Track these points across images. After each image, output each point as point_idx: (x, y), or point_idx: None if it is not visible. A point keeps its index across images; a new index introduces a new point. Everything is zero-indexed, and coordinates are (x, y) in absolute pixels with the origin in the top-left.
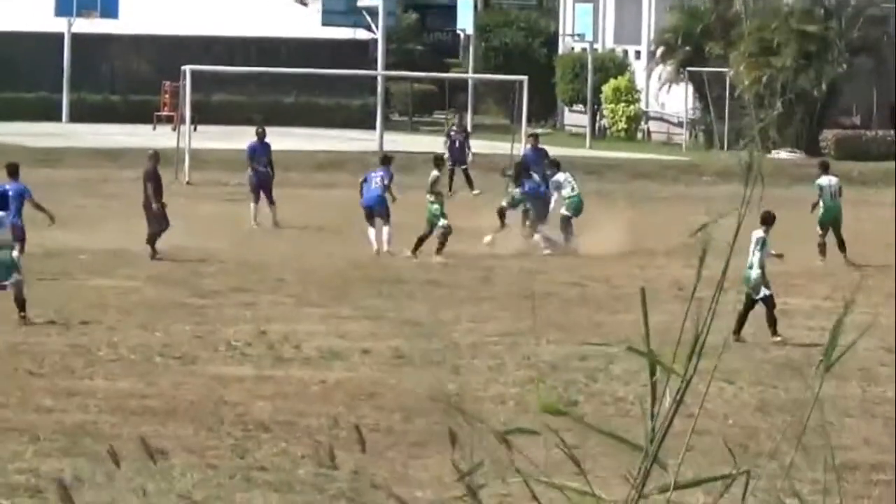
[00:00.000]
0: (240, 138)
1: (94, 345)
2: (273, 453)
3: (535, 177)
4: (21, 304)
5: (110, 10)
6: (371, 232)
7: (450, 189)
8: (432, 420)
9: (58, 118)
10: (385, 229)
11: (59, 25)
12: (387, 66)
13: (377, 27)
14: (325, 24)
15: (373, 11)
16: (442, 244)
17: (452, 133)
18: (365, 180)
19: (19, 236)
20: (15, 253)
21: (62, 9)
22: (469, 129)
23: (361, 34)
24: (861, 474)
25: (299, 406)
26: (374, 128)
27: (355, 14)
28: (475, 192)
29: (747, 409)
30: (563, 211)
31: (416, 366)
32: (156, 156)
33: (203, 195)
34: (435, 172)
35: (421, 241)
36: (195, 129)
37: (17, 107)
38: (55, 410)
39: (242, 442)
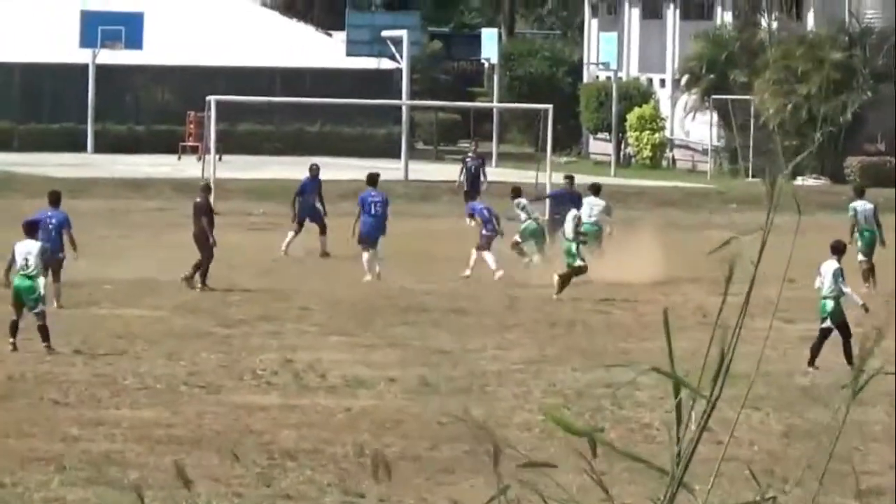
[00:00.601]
0: (265, 168)
1: (119, 374)
2: (299, 481)
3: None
4: (45, 334)
5: (135, 41)
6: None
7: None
8: (458, 447)
9: (83, 149)
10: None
11: (83, 56)
12: (411, 96)
13: (401, 57)
14: (349, 54)
15: (397, 41)
16: (565, 281)
17: (468, 160)
18: (363, 205)
19: (59, 263)
20: (41, 280)
21: (87, 40)
22: (494, 154)
23: (386, 63)
24: (887, 500)
25: (325, 434)
26: (399, 157)
27: (380, 44)
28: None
29: (773, 435)
30: (516, 237)
31: (441, 394)
32: (208, 187)
33: (228, 224)
34: (574, 211)
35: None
36: (220, 159)
37: (42, 137)
38: (81, 440)
39: (268, 470)
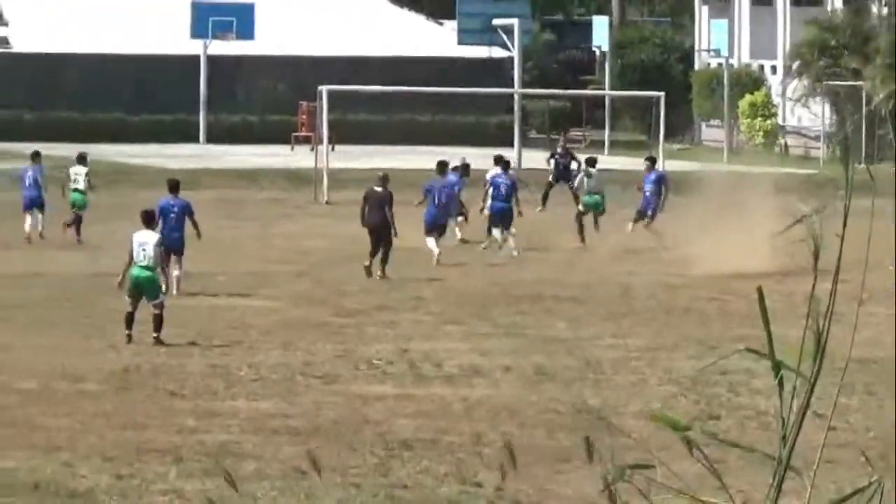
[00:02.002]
0: (377, 158)
1: (235, 365)
2: (416, 471)
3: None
4: (159, 324)
5: (246, 32)
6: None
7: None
8: (575, 436)
9: (195, 140)
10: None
11: (195, 48)
12: (523, 84)
13: (513, 45)
14: (461, 42)
15: (508, 29)
16: None
17: (557, 156)
18: (429, 191)
19: (180, 251)
20: (168, 271)
21: (198, 31)
22: (606, 142)
23: (497, 52)
24: None
25: (441, 424)
26: (511, 146)
27: (491, 32)
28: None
29: (890, 421)
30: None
31: (557, 382)
32: (386, 177)
33: (342, 215)
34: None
35: None
36: (332, 149)
37: (155, 129)
38: (198, 431)
39: (385, 460)
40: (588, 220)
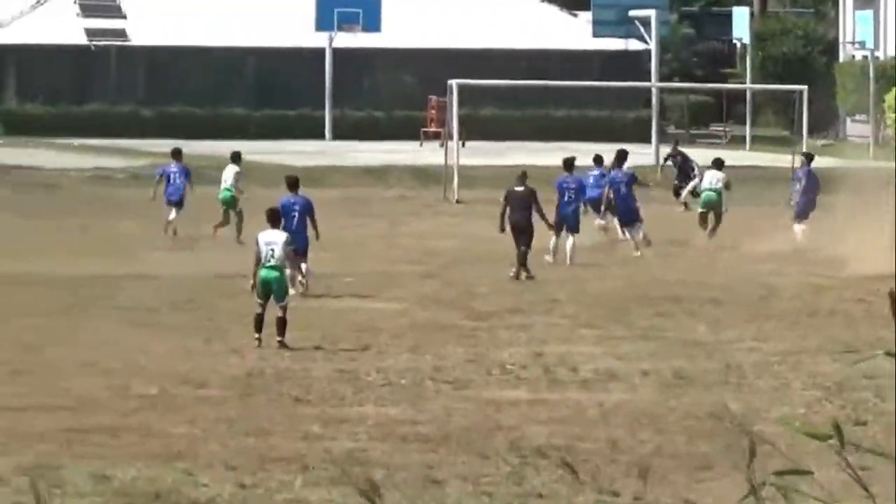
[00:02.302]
0: (509, 154)
1: (362, 370)
2: (551, 480)
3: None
4: (283, 327)
5: (373, 24)
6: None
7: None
8: (715, 442)
9: (320, 136)
10: (570, 241)
11: (320, 40)
12: (661, 77)
13: (650, 37)
14: (596, 35)
15: (645, 21)
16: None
17: (671, 159)
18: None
19: (305, 251)
20: (289, 272)
21: (323, 23)
22: (748, 137)
23: (634, 44)
24: None
25: (577, 430)
26: (649, 141)
27: (627, 24)
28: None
29: None
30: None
31: (697, 387)
32: (525, 174)
33: (472, 213)
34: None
35: None
36: (463, 146)
37: (279, 124)
38: (324, 438)
39: (519, 468)
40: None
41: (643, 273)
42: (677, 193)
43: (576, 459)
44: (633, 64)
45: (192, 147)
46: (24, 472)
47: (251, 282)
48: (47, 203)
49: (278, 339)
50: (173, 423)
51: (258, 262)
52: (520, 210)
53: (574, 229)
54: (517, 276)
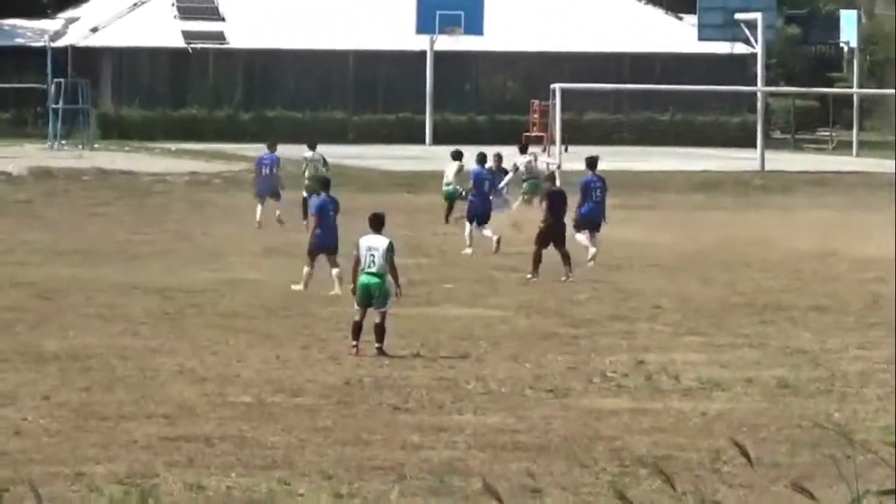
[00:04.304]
0: (613, 159)
1: (461, 378)
2: (652, 490)
3: None
4: (382, 334)
5: (475, 27)
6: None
7: None
8: (819, 452)
9: (420, 140)
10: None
11: (420, 43)
12: (766, 82)
13: (756, 41)
14: (701, 38)
15: (751, 24)
16: None
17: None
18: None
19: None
20: (389, 278)
21: (424, 26)
22: (854, 143)
23: (739, 48)
24: None
25: (679, 440)
26: (754, 146)
27: (733, 27)
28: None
29: None
30: None
31: (801, 395)
32: (553, 175)
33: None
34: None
35: None
36: (566, 150)
37: (377, 128)
38: (422, 447)
39: (619, 478)
40: None
41: (747, 280)
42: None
43: (677, 469)
44: (738, 68)
45: (290, 151)
46: (118, 480)
47: (350, 286)
48: (144, 208)
49: (377, 346)
50: (269, 432)
51: (356, 266)
52: (561, 211)
53: (597, 228)
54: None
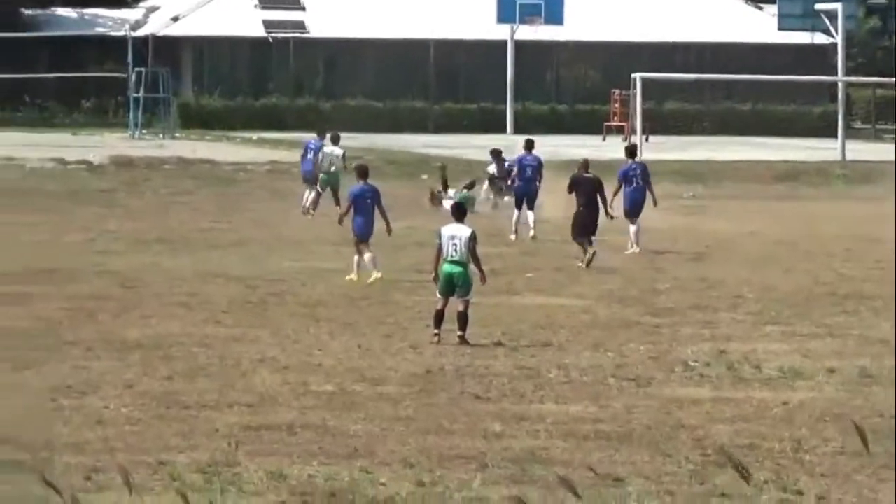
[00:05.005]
0: (693, 149)
1: (543, 367)
2: (734, 478)
3: None
4: (464, 323)
5: (555, 16)
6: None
7: None
8: None
9: (501, 129)
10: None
11: (501, 33)
12: (847, 72)
13: (836, 31)
14: (781, 28)
15: (831, 14)
16: None
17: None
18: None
19: (368, 237)
20: (472, 267)
21: (505, 15)
22: None
23: (820, 38)
24: None
25: (761, 429)
26: (834, 136)
27: (813, 17)
28: None
29: None
30: None
31: (883, 385)
32: (587, 163)
33: (657, 209)
34: None
35: None
36: (647, 140)
37: (458, 118)
38: (503, 436)
39: (701, 467)
40: None
41: (829, 270)
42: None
43: (759, 458)
44: (818, 58)
45: (371, 140)
46: (200, 469)
47: (432, 275)
48: (225, 197)
49: (459, 334)
50: (351, 421)
51: (439, 255)
52: (590, 197)
53: (636, 215)
54: (588, 264)
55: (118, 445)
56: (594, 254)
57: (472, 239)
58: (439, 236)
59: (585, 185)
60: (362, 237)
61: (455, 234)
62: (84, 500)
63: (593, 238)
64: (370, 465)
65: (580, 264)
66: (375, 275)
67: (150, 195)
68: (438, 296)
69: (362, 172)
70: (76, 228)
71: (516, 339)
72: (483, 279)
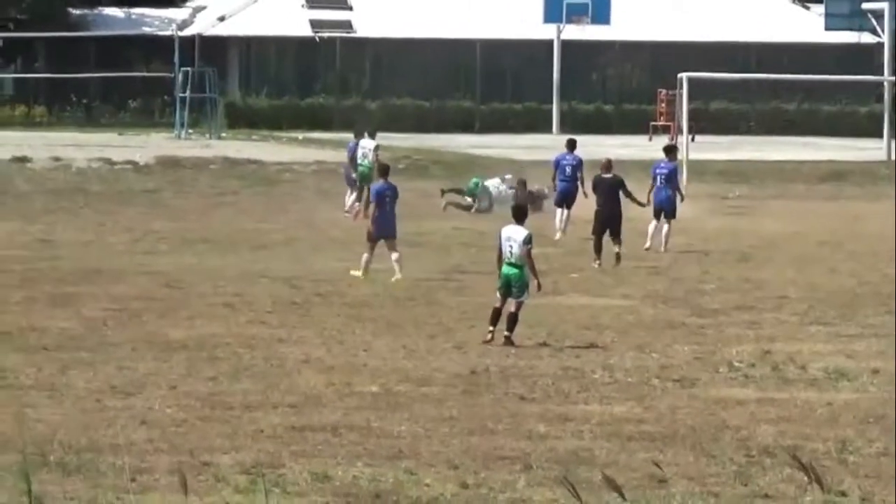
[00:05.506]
0: (739, 148)
1: (587, 367)
2: (778, 480)
3: None
4: (513, 324)
5: (602, 16)
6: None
7: None
8: None
9: (547, 129)
10: (665, 228)
11: (548, 32)
12: (894, 71)
13: (883, 30)
14: (828, 28)
15: (878, 14)
16: None
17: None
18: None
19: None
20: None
21: (551, 15)
22: None
23: (867, 38)
24: None
25: (805, 430)
26: (881, 136)
27: (860, 17)
28: None
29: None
30: None
31: None
32: (610, 163)
33: (703, 209)
34: None
35: None
36: (693, 140)
37: (504, 117)
38: (548, 437)
39: (745, 468)
40: None
41: (874, 271)
42: None
43: (804, 460)
44: (865, 57)
45: (418, 140)
46: (245, 470)
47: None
48: (271, 197)
49: (506, 334)
50: (395, 422)
51: (500, 256)
52: (607, 197)
53: (671, 215)
54: (599, 263)
55: (162, 446)
56: (617, 255)
57: (527, 241)
58: (499, 238)
59: (603, 186)
60: (381, 235)
61: (511, 235)
62: (128, 500)
63: (620, 238)
64: (414, 467)
65: (594, 264)
66: (397, 275)
67: (196, 195)
68: (497, 295)
69: (383, 171)
70: (121, 229)
71: (561, 339)
72: (539, 286)
